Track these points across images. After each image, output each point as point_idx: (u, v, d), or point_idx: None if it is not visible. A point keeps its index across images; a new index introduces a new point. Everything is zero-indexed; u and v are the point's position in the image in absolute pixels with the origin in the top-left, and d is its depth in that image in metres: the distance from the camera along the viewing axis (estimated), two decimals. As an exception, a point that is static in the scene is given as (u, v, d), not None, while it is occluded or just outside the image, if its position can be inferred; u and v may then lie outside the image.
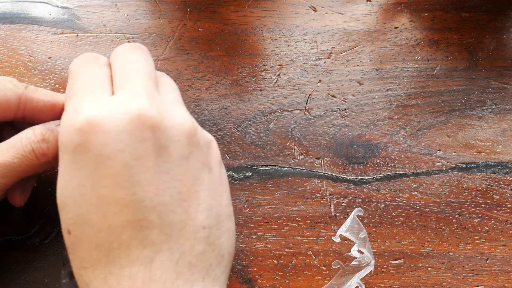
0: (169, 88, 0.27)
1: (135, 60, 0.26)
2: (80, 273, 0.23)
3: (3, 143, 0.26)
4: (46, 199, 0.31)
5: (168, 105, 0.24)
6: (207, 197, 0.24)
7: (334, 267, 0.30)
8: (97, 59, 0.26)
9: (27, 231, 0.30)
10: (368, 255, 0.30)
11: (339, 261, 0.30)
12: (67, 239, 0.23)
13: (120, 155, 0.22)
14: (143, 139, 0.22)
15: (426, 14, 0.39)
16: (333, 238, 0.31)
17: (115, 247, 0.22)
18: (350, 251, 0.30)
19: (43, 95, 0.28)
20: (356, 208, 0.31)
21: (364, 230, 0.30)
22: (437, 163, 0.33)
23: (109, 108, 0.22)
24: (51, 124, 0.27)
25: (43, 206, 0.30)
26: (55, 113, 0.28)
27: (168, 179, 0.23)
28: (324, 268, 0.30)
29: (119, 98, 0.23)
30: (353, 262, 0.30)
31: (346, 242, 0.31)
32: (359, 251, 0.30)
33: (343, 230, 0.30)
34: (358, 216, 0.31)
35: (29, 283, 0.29)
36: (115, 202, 0.22)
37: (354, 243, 0.30)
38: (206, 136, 0.26)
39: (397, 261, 0.31)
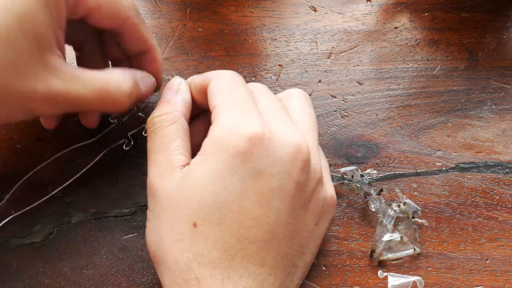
0: (307, 117, 0.28)
1: (270, 93, 0.28)
2: (191, 265, 0.23)
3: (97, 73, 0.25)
4: (46, 199, 0.30)
5: (313, 146, 0.27)
6: (305, 243, 0.26)
7: (380, 276, 0.29)
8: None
9: (27, 231, 0.30)
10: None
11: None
12: (187, 231, 0.23)
13: (270, 179, 0.24)
14: (291, 174, 0.24)
15: (426, 14, 0.39)
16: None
17: (239, 256, 0.23)
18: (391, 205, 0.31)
19: (143, 28, 0.29)
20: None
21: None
22: (437, 163, 0.33)
23: (276, 133, 0.24)
24: (150, 78, 0.29)
25: (43, 206, 0.30)
26: (142, 47, 0.29)
27: (293, 216, 0.25)
28: (324, 268, 0.30)
29: (281, 127, 0.25)
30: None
31: (348, 241, 0.31)
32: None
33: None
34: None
35: (29, 283, 0.29)
36: (252, 217, 0.23)
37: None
38: (329, 192, 0.28)
39: (397, 261, 0.31)
